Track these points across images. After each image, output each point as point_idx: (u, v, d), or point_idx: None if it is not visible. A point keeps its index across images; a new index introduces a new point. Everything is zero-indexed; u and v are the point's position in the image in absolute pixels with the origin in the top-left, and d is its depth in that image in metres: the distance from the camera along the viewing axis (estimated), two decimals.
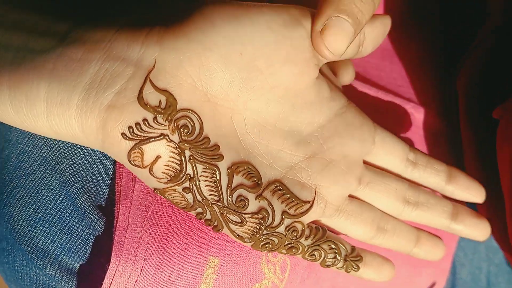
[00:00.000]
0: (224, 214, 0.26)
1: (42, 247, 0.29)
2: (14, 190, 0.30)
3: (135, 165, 0.25)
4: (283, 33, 0.26)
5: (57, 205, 0.29)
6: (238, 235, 0.27)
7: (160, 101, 0.24)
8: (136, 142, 0.24)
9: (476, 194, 0.33)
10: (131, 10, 0.26)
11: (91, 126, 0.24)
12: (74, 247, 0.30)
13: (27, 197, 0.30)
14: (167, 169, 0.25)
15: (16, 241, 0.30)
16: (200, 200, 0.26)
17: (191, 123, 0.25)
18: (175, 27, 0.25)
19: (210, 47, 0.25)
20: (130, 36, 0.24)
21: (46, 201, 0.30)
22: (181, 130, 0.25)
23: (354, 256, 0.30)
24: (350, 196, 0.31)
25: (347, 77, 0.33)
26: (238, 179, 0.26)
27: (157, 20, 0.25)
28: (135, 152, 0.24)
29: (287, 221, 0.28)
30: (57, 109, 0.24)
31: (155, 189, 0.26)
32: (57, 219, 0.29)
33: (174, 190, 0.25)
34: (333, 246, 0.29)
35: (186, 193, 0.26)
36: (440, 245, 0.33)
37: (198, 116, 0.25)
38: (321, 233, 0.29)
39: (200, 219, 0.27)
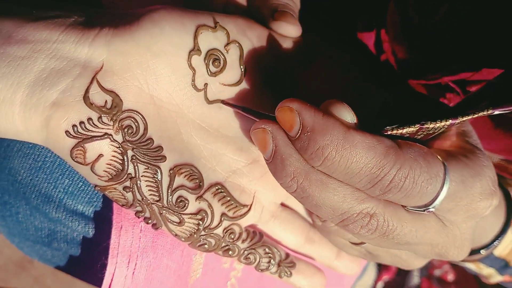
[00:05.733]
0: (163, 214, 0.27)
1: (45, 193, 0.31)
2: (11, 143, 0.31)
3: (77, 161, 0.25)
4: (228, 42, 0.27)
5: None
6: (176, 234, 0.28)
7: (106, 101, 0.25)
8: (79, 140, 0.25)
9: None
10: (78, 9, 0.27)
11: (35, 123, 0.24)
12: (77, 190, 0.31)
13: (26, 148, 0.31)
14: (109, 168, 0.26)
15: (19, 191, 0.31)
16: (140, 199, 0.27)
17: (136, 123, 0.26)
18: (124, 30, 0.25)
19: (157, 53, 0.25)
20: (78, 37, 0.25)
21: (45, 150, 0.30)
22: (125, 130, 0.25)
23: (288, 262, 0.32)
24: (282, 204, 0.32)
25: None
26: (179, 180, 0.27)
27: (105, 20, 0.26)
28: (77, 150, 0.25)
29: (225, 223, 0.29)
30: None
31: (95, 185, 0.26)
32: (57, 165, 0.31)
33: (115, 188, 0.26)
34: (268, 251, 0.31)
35: (126, 192, 0.26)
36: (357, 261, 0.35)
37: (143, 117, 0.26)
38: (257, 237, 0.30)
39: (138, 217, 0.27)
